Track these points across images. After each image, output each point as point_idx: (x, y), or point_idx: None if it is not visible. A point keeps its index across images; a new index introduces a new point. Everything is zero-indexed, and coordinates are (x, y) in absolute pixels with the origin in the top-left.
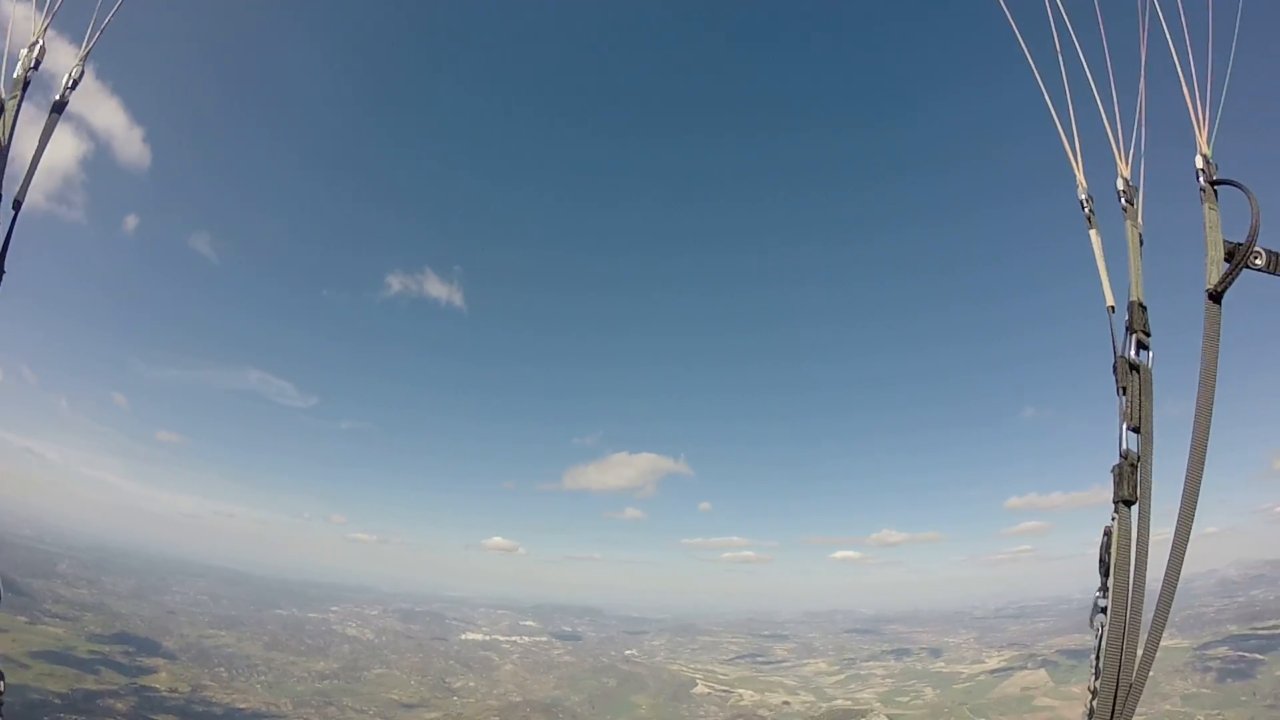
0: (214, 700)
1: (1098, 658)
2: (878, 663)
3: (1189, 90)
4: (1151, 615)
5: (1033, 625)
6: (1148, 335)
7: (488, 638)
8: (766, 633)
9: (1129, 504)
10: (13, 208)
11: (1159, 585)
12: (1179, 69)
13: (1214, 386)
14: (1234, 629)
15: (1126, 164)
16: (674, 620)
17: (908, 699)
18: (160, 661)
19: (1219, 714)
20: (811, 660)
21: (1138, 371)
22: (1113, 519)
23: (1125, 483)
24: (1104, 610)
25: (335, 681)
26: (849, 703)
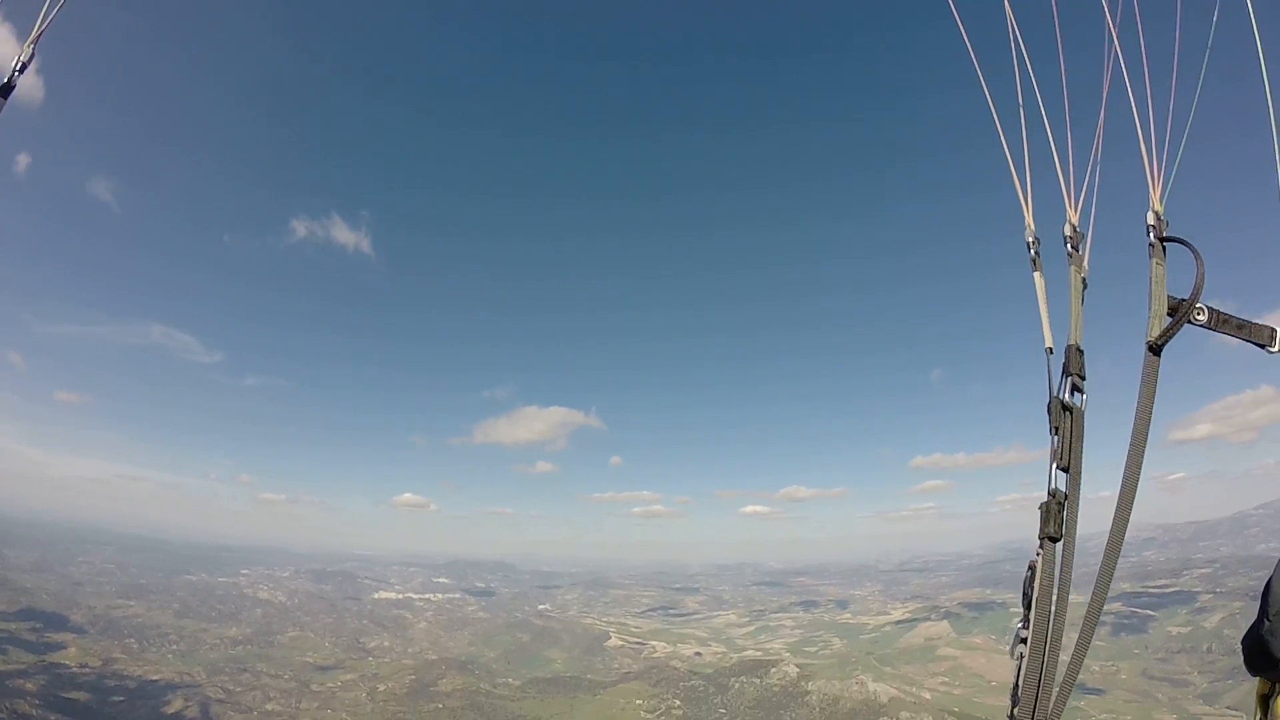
0: (126, 674)
1: (1016, 687)
2: (786, 614)
3: (1146, 147)
4: (1072, 648)
5: (935, 579)
6: (1082, 379)
7: (401, 596)
8: (677, 585)
9: (1054, 540)
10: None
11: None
12: (1138, 125)
13: (1146, 435)
14: (1126, 586)
15: (1075, 210)
16: (586, 574)
17: (816, 649)
18: (69, 636)
19: (1113, 664)
20: (722, 612)
21: (1070, 413)
22: (1037, 554)
23: (1052, 520)
24: (1024, 641)
25: (249, 647)
26: (759, 653)
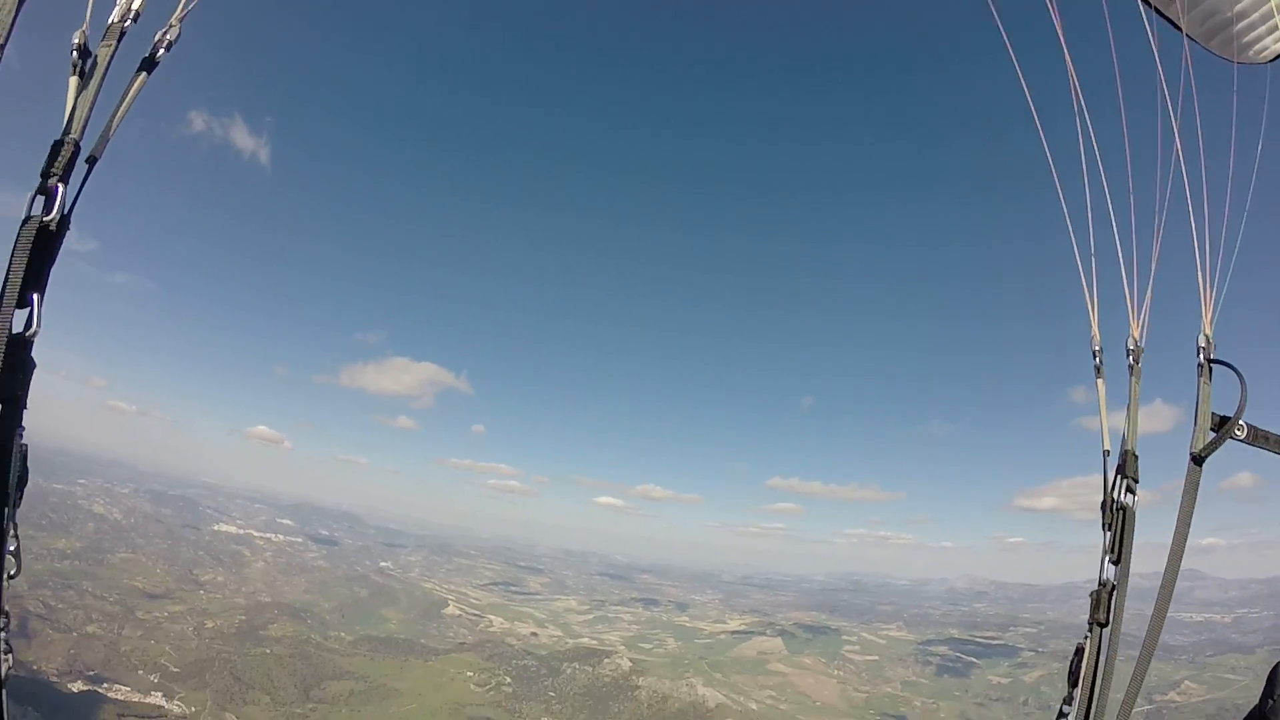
0: None
1: None
2: (626, 608)
3: (1201, 274)
4: None
5: (775, 597)
6: (1136, 481)
7: (242, 531)
8: (523, 564)
9: (1103, 625)
10: (87, 162)
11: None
12: (1195, 252)
13: (1186, 537)
14: (955, 632)
15: (1139, 326)
16: (432, 538)
17: (651, 646)
18: None
19: (934, 702)
20: (563, 597)
21: (1124, 512)
22: (1085, 638)
23: (1101, 607)
24: (1065, 716)
25: (76, 562)
26: (595, 642)
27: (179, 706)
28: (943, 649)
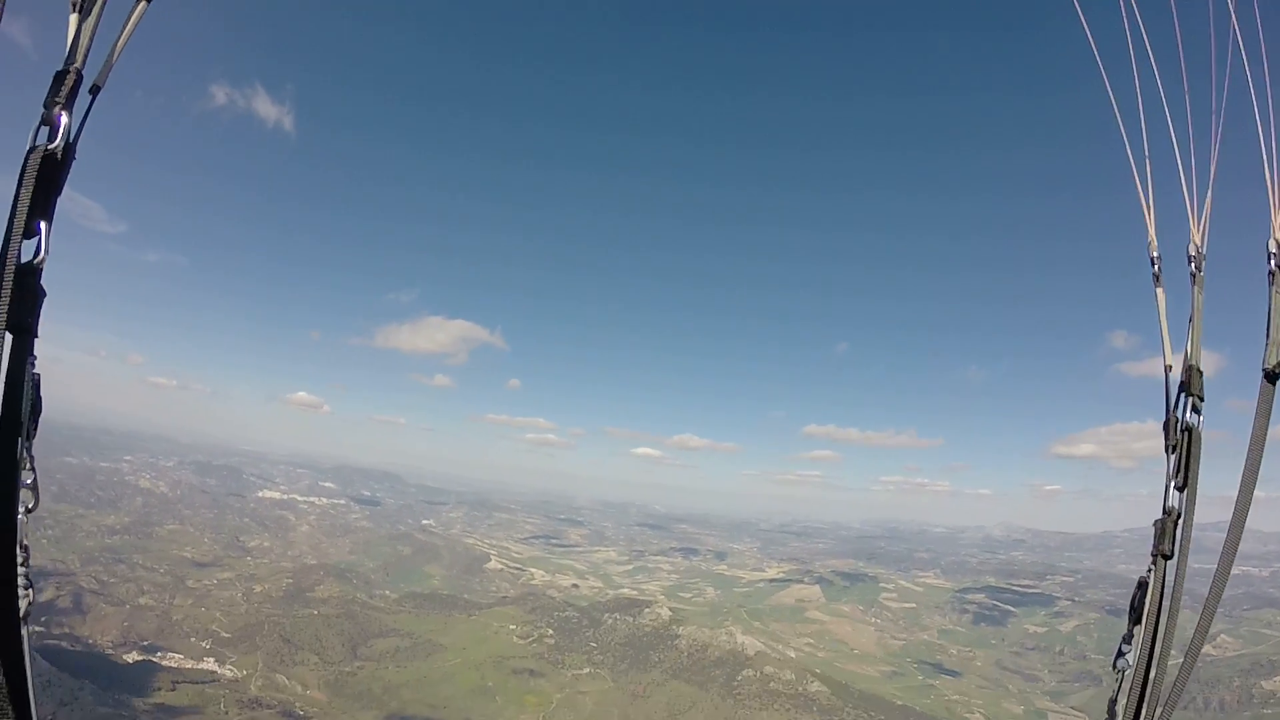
0: None
1: (1114, 701)
2: (665, 558)
3: (1269, 171)
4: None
5: (813, 545)
6: (1201, 399)
7: (285, 497)
8: (562, 516)
9: (1167, 557)
10: (90, 92)
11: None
12: (1263, 148)
13: (1260, 460)
14: (992, 580)
15: (1200, 232)
16: (472, 494)
17: (690, 595)
18: None
19: (971, 650)
20: (603, 548)
21: (1189, 433)
22: (1149, 570)
23: (1167, 537)
24: (1125, 655)
25: (126, 537)
26: (635, 592)
27: (231, 670)
28: (979, 597)
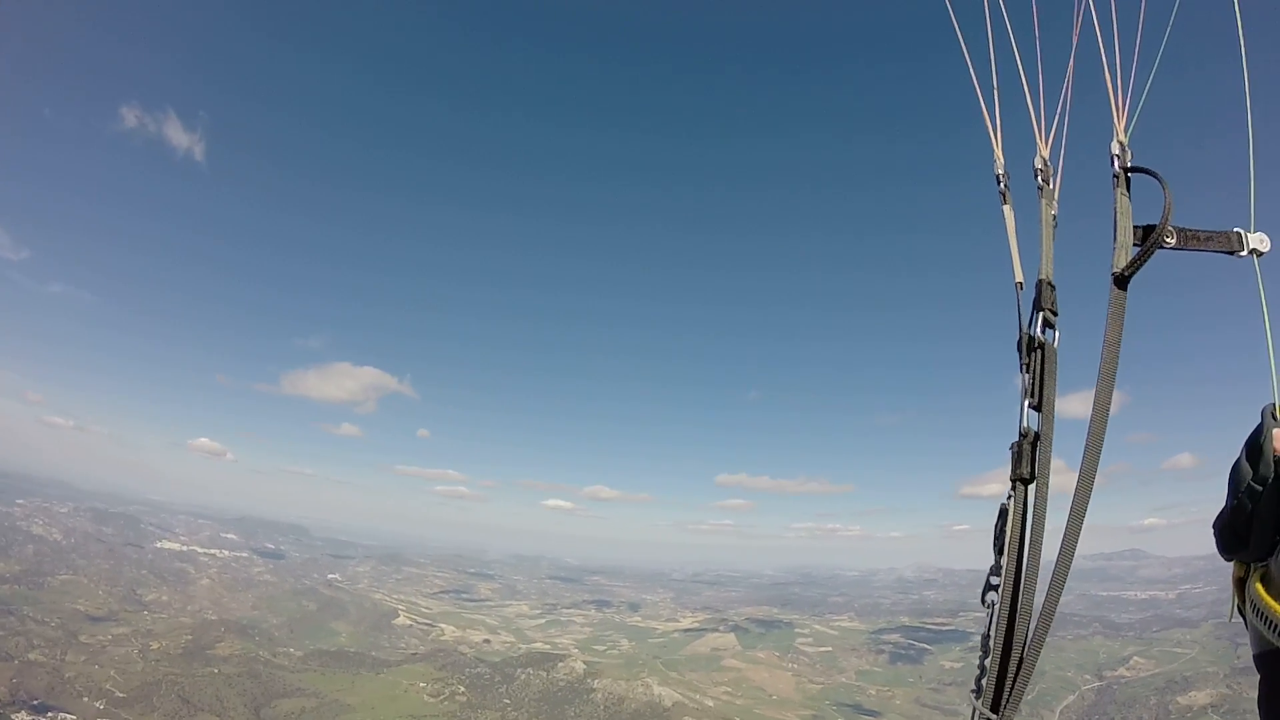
0: None
1: (987, 636)
2: (578, 610)
3: (1111, 76)
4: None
5: (726, 593)
6: (1054, 314)
7: (185, 548)
8: (473, 570)
9: (1026, 482)
10: None
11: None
12: (1103, 54)
13: (1115, 370)
14: (906, 620)
15: (1046, 144)
16: (381, 548)
17: (605, 648)
18: None
19: (889, 690)
20: (514, 602)
21: (1041, 350)
22: (1009, 497)
23: (1024, 460)
24: (995, 589)
25: (16, 586)
26: (548, 646)
27: None
28: (895, 637)
